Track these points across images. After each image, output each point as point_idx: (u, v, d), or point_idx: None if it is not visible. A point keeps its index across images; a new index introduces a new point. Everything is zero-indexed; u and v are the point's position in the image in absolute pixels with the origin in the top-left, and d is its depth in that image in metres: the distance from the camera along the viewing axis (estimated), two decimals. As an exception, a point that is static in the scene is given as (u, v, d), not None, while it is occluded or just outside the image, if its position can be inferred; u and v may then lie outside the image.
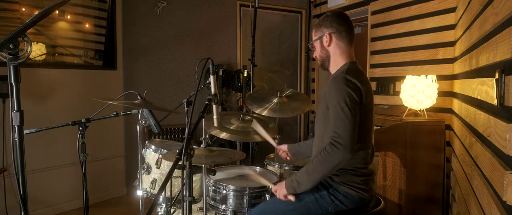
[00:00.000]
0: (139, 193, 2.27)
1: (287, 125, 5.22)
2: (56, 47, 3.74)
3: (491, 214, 1.45)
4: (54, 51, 3.73)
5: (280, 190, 1.80)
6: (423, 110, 2.91)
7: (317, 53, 1.93)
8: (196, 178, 2.19)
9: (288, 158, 2.31)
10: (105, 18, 3.97)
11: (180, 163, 1.40)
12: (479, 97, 1.83)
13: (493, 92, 1.43)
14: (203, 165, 1.90)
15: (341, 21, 1.84)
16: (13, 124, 1.15)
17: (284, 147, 2.30)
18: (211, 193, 2.08)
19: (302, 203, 1.78)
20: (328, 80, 1.84)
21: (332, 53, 1.87)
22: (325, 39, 1.85)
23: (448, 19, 3.07)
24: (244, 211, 2.00)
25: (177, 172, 2.04)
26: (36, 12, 1.43)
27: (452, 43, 3.05)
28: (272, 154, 2.62)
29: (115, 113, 2.30)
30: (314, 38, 1.92)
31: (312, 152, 2.13)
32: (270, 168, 2.41)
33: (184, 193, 1.47)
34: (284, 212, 1.80)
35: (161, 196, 2.24)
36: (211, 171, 1.99)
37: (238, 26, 4.67)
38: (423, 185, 2.83)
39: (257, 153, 4.14)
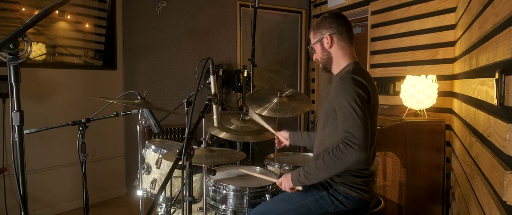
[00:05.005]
0: (139, 193, 2.27)
1: (287, 125, 5.21)
2: (56, 47, 3.74)
3: (491, 214, 1.45)
4: (54, 51, 3.73)
5: (286, 183, 1.79)
6: (423, 110, 2.91)
7: (318, 56, 1.89)
8: (196, 178, 2.19)
9: (284, 143, 2.29)
10: (105, 18, 3.97)
11: (180, 163, 1.40)
12: (479, 97, 1.83)
13: (493, 92, 1.43)
14: (203, 165, 1.90)
15: (341, 22, 1.81)
16: (13, 124, 1.15)
17: (284, 134, 2.28)
18: (211, 193, 2.08)
19: (302, 203, 1.78)
20: (334, 81, 1.82)
21: (334, 54, 1.84)
22: (326, 41, 1.82)
23: (448, 19, 3.07)
24: (244, 211, 2.00)
25: (177, 172, 2.04)
26: (36, 12, 1.43)
27: (452, 43, 3.05)
28: (272, 154, 2.62)
29: (115, 113, 2.30)
30: (313, 41, 1.88)
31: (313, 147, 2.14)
32: (270, 168, 2.41)
33: (184, 193, 1.47)
34: (284, 212, 1.79)
35: (161, 196, 2.24)
36: (211, 171, 1.99)
37: (238, 26, 4.67)
38: (423, 185, 2.83)
39: (257, 153, 4.15)
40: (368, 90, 1.68)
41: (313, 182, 1.72)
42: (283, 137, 2.30)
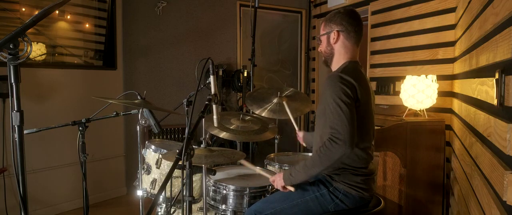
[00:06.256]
0: (139, 193, 2.27)
1: (287, 125, 5.20)
2: (56, 47, 3.74)
3: (491, 214, 1.45)
4: (54, 51, 3.73)
5: (278, 181, 1.82)
6: (423, 110, 2.91)
7: (322, 48, 1.93)
8: (196, 178, 2.19)
9: (303, 144, 2.41)
10: (105, 18, 3.97)
11: (180, 163, 1.40)
12: (479, 97, 1.83)
13: (493, 92, 1.43)
14: (203, 165, 1.90)
15: (352, 21, 1.82)
16: (13, 124, 1.15)
17: (300, 134, 2.41)
18: (211, 193, 2.08)
19: (302, 201, 1.78)
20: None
21: (337, 51, 1.86)
22: (333, 36, 1.84)
23: (448, 19, 3.07)
24: (244, 211, 2.00)
25: (177, 172, 2.04)
26: (36, 12, 1.43)
27: (452, 43, 3.05)
28: (272, 154, 2.63)
29: (115, 113, 2.30)
30: (322, 32, 1.91)
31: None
32: (270, 168, 2.41)
33: (184, 193, 1.47)
34: (283, 209, 1.80)
35: (161, 196, 2.24)
36: (211, 171, 1.99)
37: (238, 26, 4.67)
38: (423, 185, 2.82)
39: (257, 153, 4.15)
40: (356, 89, 1.69)
41: (303, 180, 1.75)
42: (300, 138, 2.42)
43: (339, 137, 1.60)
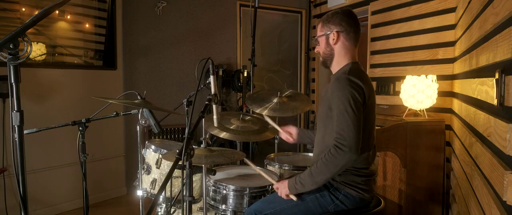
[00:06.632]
0: (139, 193, 2.27)
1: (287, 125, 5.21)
2: (56, 47, 3.74)
3: (491, 214, 1.45)
4: (54, 51, 3.73)
5: (283, 189, 1.79)
6: (423, 110, 2.91)
7: (320, 49, 1.90)
8: (196, 178, 2.19)
9: (290, 139, 2.23)
10: (105, 18, 3.97)
11: (180, 163, 1.40)
12: (479, 97, 1.83)
13: (493, 92, 1.43)
14: (203, 165, 1.90)
15: (351, 21, 1.81)
16: (13, 124, 1.15)
17: (292, 129, 2.23)
18: (211, 193, 2.08)
19: (302, 201, 1.78)
20: (330, 81, 1.82)
21: (337, 52, 1.84)
22: (332, 37, 1.82)
23: (448, 19, 3.07)
24: (244, 211, 2.00)
25: (177, 172, 2.04)
26: (36, 12, 1.43)
27: (452, 43, 3.05)
28: (272, 154, 2.63)
29: (115, 113, 2.30)
30: (319, 33, 1.88)
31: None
32: (270, 168, 2.41)
33: (184, 193, 1.47)
34: (283, 209, 1.80)
35: (161, 196, 2.24)
36: (211, 171, 1.99)
37: (238, 26, 4.67)
38: (423, 185, 2.82)
39: (257, 153, 4.15)
40: (364, 92, 1.69)
41: (309, 188, 1.72)
42: (287, 131, 2.24)
43: (345, 143, 1.59)
